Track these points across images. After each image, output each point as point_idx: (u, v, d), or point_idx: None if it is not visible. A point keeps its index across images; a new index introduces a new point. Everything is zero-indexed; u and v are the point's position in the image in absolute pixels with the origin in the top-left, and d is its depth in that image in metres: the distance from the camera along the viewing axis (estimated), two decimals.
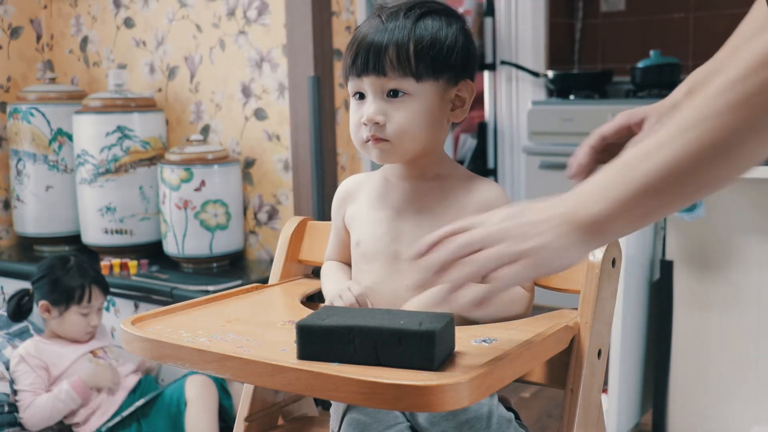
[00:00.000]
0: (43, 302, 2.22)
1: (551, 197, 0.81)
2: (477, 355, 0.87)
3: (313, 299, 1.21)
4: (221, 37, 2.73)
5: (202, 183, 2.57)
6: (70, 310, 2.21)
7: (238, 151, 2.75)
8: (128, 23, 2.95)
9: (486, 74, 3.84)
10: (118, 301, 2.57)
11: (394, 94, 1.01)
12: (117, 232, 2.74)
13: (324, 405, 1.64)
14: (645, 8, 3.93)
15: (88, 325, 2.23)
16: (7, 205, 3.10)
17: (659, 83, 3.42)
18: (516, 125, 3.76)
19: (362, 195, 1.12)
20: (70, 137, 2.87)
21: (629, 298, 2.12)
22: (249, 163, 2.73)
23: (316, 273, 1.27)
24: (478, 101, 3.90)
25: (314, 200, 2.53)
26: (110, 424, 2.15)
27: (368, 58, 1.01)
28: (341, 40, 2.65)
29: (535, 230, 0.78)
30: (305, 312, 1.07)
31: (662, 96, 1.13)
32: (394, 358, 0.80)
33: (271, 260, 1.95)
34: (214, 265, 2.64)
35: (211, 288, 2.36)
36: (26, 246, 3.03)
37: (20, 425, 2.16)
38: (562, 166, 1.20)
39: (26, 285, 2.36)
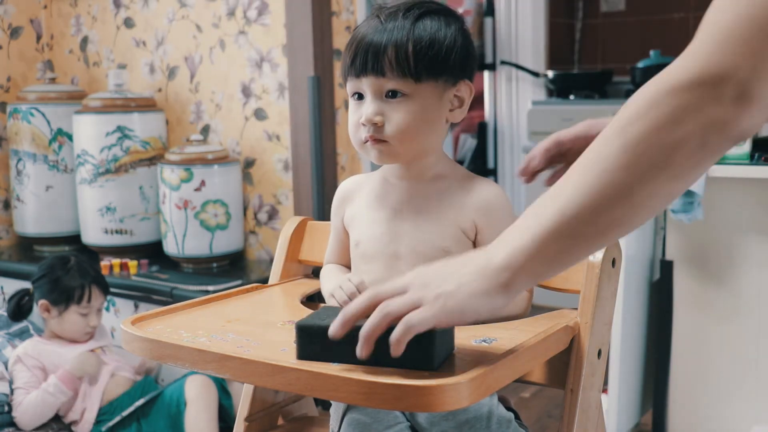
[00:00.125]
0: (42, 302, 2.22)
1: (481, 249, 0.82)
2: (477, 355, 0.87)
3: (313, 299, 1.21)
4: (221, 37, 2.73)
5: (202, 183, 2.57)
6: (70, 310, 2.21)
7: (238, 151, 2.75)
8: (128, 23, 2.95)
9: (486, 74, 3.84)
10: (118, 301, 2.57)
11: (392, 94, 1.01)
12: (117, 232, 2.74)
13: (324, 405, 1.64)
14: (645, 8, 3.93)
15: (88, 325, 2.23)
16: (7, 205, 3.10)
17: None
18: (516, 125, 3.76)
19: (361, 195, 1.12)
20: (70, 137, 2.87)
21: (629, 298, 2.12)
22: (249, 163, 2.73)
23: (316, 273, 1.27)
24: (478, 101, 3.90)
25: (314, 200, 2.53)
26: (110, 424, 2.15)
27: (367, 59, 1.01)
28: (341, 40, 2.65)
29: (450, 277, 0.79)
30: (305, 312, 1.07)
31: None
32: (393, 359, 0.80)
33: (271, 260, 1.95)
34: (214, 265, 2.64)
35: (211, 288, 2.36)
36: (26, 246, 3.03)
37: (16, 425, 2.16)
38: None
39: (26, 285, 2.36)
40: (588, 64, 4.13)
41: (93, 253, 2.78)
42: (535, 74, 3.67)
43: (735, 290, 2.02)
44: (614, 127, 0.73)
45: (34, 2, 3.12)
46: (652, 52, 3.49)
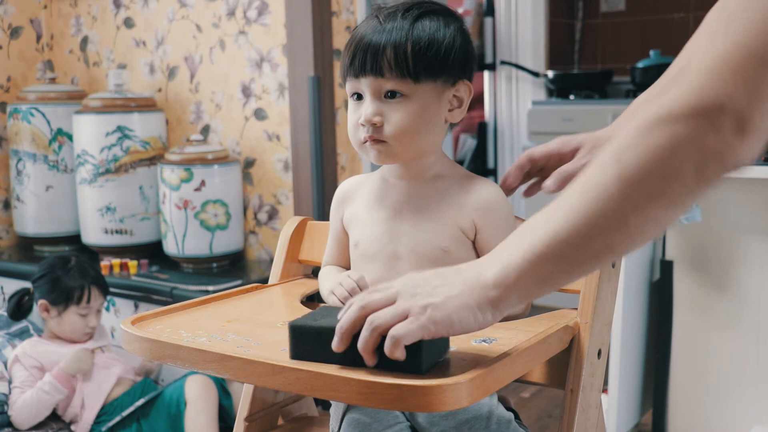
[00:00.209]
0: (42, 301, 2.22)
1: (474, 262, 0.82)
2: (477, 355, 0.87)
3: (313, 299, 1.21)
4: (221, 37, 2.73)
5: (202, 183, 2.57)
6: (69, 310, 2.21)
7: (238, 151, 2.75)
8: (128, 23, 2.95)
9: (486, 74, 3.84)
10: (118, 301, 2.57)
11: (391, 95, 1.01)
12: (117, 232, 2.74)
13: (324, 405, 1.64)
14: (645, 8, 3.93)
15: (87, 325, 2.23)
16: (7, 205, 3.10)
17: None
18: (516, 125, 3.76)
19: (360, 196, 1.12)
20: (70, 137, 2.87)
21: (629, 298, 2.12)
22: (249, 163, 2.73)
23: (315, 273, 1.26)
24: (478, 101, 3.90)
25: (314, 200, 2.53)
26: (110, 424, 2.15)
27: (366, 59, 1.00)
28: (341, 40, 2.65)
29: (439, 288, 0.79)
30: (305, 312, 1.07)
31: None
32: (383, 362, 0.80)
33: (271, 260, 1.95)
34: (214, 265, 2.64)
35: (211, 288, 2.36)
36: (26, 246, 3.03)
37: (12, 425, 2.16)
38: None
39: (26, 285, 2.36)
40: (588, 64, 4.13)
41: (93, 253, 2.78)
42: (535, 74, 3.67)
43: (735, 290, 2.02)
44: (611, 153, 0.72)
45: (34, 2, 3.12)
46: (652, 52, 3.49)
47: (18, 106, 2.89)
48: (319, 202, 2.51)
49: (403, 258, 1.05)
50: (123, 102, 2.73)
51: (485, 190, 1.06)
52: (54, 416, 2.19)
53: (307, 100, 2.51)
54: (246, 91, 2.71)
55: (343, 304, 1.03)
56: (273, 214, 2.72)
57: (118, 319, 2.57)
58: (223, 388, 2.21)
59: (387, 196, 1.09)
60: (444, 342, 0.86)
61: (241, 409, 1.20)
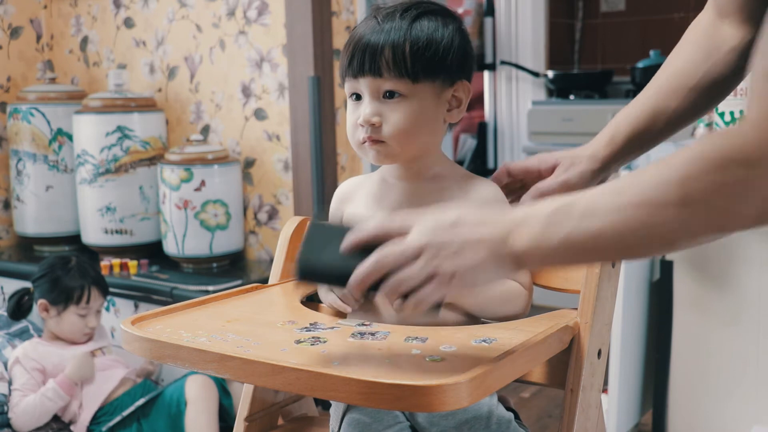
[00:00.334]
0: (42, 301, 2.22)
1: (493, 210, 0.84)
2: (477, 355, 0.87)
3: (313, 299, 1.21)
4: (221, 37, 2.73)
5: (202, 183, 2.57)
6: (69, 310, 2.21)
7: (238, 151, 2.75)
8: (128, 23, 2.95)
9: (486, 74, 3.84)
10: (118, 301, 2.57)
11: (390, 95, 1.01)
12: (117, 232, 2.74)
13: (324, 405, 1.64)
14: (645, 8, 3.93)
15: (86, 326, 2.23)
16: (7, 205, 3.10)
17: None
18: (516, 125, 3.76)
19: (360, 196, 1.12)
20: (70, 137, 2.87)
21: (629, 298, 2.12)
22: (249, 163, 2.73)
23: None
24: (478, 101, 3.90)
25: (314, 200, 2.53)
26: (110, 424, 2.15)
27: (364, 59, 1.01)
28: (341, 40, 2.65)
29: (465, 250, 0.80)
30: (305, 312, 1.08)
31: None
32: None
33: (271, 260, 1.95)
34: (214, 265, 2.64)
35: (211, 288, 2.36)
36: (26, 246, 3.03)
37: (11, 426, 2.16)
38: None
39: (26, 285, 2.36)
40: (588, 64, 4.13)
41: (93, 253, 2.78)
42: (535, 74, 3.67)
43: (735, 290, 2.02)
44: (675, 172, 0.72)
45: (34, 2, 3.12)
46: (652, 52, 3.49)
47: (18, 106, 2.89)
48: (319, 202, 2.51)
49: None
50: (123, 102, 2.73)
51: (485, 190, 1.06)
52: (54, 416, 2.19)
53: (307, 100, 2.51)
54: (246, 91, 2.71)
55: (343, 302, 1.03)
56: (273, 214, 2.72)
57: (118, 319, 2.57)
58: (223, 388, 2.21)
59: (386, 196, 1.09)
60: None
61: (241, 409, 1.20)
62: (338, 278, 0.84)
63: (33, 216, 2.92)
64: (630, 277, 2.11)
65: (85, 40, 3.08)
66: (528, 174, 1.13)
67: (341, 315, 1.09)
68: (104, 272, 2.51)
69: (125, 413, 2.15)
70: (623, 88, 3.71)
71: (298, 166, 2.59)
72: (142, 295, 2.49)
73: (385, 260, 0.81)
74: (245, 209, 2.77)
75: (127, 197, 2.73)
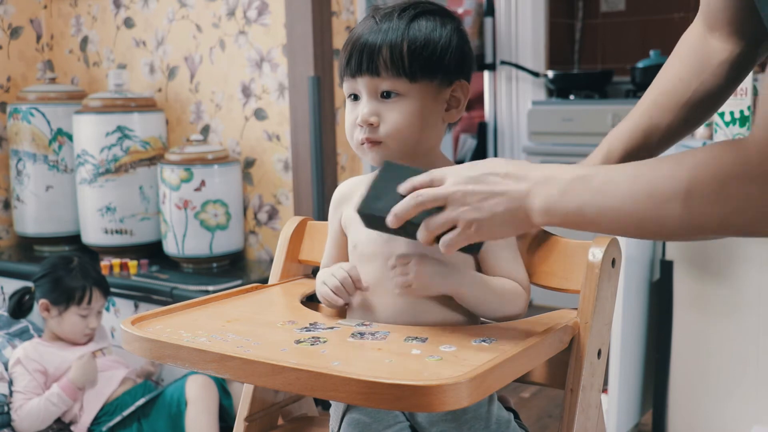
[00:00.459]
0: (43, 301, 2.22)
1: (521, 164, 0.92)
2: (477, 355, 0.87)
3: (313, 299, 1.21)
4: (221, 37, 2.73)
5: (202, 183, 2.57)
6: (70, 311, 2.21)
7: (238, 151, 2.75)
8: (128, 23, 2.95)
9: (486, 74, 3.84)
10: (118, 301, 2.57)
11: (387, 94, 1.01)
12: (117, 232, 2.74)
13: (324, 405, 1.64)
14: (645, 8, 3.93)
15: (87, 327, 2.23)
16: (7, 205, 3.10)
17: None
18: (516, 125, 3.76)
19: (358, 197, 1.12)
20: (70, 137, 2.87)
21: (629, 298, 2.12)
22: (249, 163, 2.73)
23: (315, 273, 1.26)
24: (478, 101, 3.90)
25: (314, 200, 2.53)
26: (111, 423, 2.16)
27: (362, 59, 1.01)
28: (341, 40, 2.65)
29: (491, 201, 0.90)
30: (305, 312, 1.08)
31: None
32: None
33: (271, 260, 1.95)
34: (214, 265, 2.64)
35: (211, 288, 2.36)
36: (26, 246, 3.03)
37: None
38: None
39: (26, 285, 2.36)
40: (588, 64, 4.13)
41: (93, 253, 2.78)
42: (535, 74, 3.67)
43: (735, 290, 2.02)
44: (683, 174, 0.79)
45: (34, 2, 3.12)
46: (652, 52, 3.49)
47: (18, 106, 2.89)
48: (319, 202, 2.52)
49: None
50: (123, 102, 2.73)
51: None
52: None
53: (307, 100, 2.51)
54: (246, 91, 2.71)
55: (335, 294, 1.04)
56: (273, 214, 2.72)
57: (118, 319, 2.57)
58: (223, 388, 2.21)
59: None
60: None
61: (241, 409, 1.20)
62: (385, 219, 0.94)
63: (33, 216, 2.92)
64: (630, 277, 2.11)
65: (85, 40, 3.08)
66: None
67: (341, 315, 1.09)
68: (104, 272, 2.51)
69: (125, 413, 2.15)
70: (623, 88, 3.71)
71: (298, 166, 2.59)
72: (142, 295, 2.49)
73: (418, 199, 0.91)
74: (245, 209, 2.77)
75: (127, 197, 2.73)
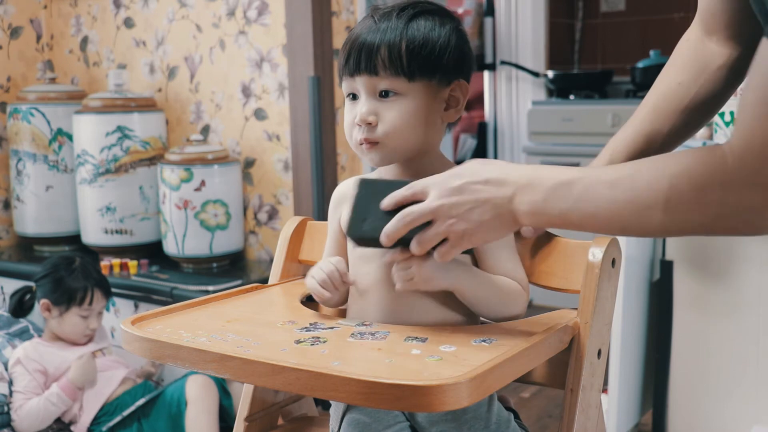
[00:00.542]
0: (44, 301, 2.22)
1: (497, 166, 0.93)
2: (477, 355, 0.87)
3: (313, 299, 1.21)
4: (221, 37, 2.73)
5: (202, 183, 2.57)
6: (71, 311, 2.21)
7: (238, 151, 2.75)
8: (128, 23, 2.95)
9: (486, 74, 3.84)
10: (118, 301, 2.57)
11: (385, 94, 1.01)
12: (117, 232, 2.74)
13: (324, 405, 1.64)
14: (645, 8, 3.93)
15: (87, 327, 2.23)
16: (7, 205, 3.10)
17: None
18: (516, 125, 3.76)
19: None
20: (70, 137, 2.87)
21: (629, 298, 2.12)
22: (249, 163, 2.73)
23: None
24: (478, 101, 3.90)
25: (314, 200, 2.53)
26: (110, 423, 2.16)
27: (360, 58, 1.01)
28: (341, 40, 2.65)
29: (478, 211, 0.91)
30: (305, 312, 1.08)
31: None
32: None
33: (271, 260, 1.95)
34: (214, 265, 2.64)
35: (211, 288, 2.36)
36: (26, 246, 3.03)
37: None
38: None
39: (27, 284, 2.36)
40: (588, 64, 4.13)
41: (93, 253, 2.78)
42: (535, 74, 3.67)
43: (735, 290, 2.02)
44: (666, 180, 0.81)
45: (34, 2, 3.12)
46: (652, 52, 3.49)
47: (18, 106, 2.89)
48: (319, 202, 2.52)
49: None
50: (123, 102, 2.73)
51: None
52: None
53: (307, 100, 2.51)
54: (246, 91, 2.71)
55: (321, 287, 1.04)
56: (273, 214, 2.72)
57: (118, 319, 2.57)
58: (223, 388, 2.21)
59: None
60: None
61: (241, 409, 1.20)
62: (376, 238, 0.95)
63: (33, 216, 2.92)
64: (630, 277, 2.11)
65: (85, 40, 3.08)
66: None
67: (341, 315, 1.09)
68: (104, 272, 2.51)
69: (125, 413, 2.15)
70: (623, 88, 3.71)
71: (298, 166, 2.59)
72: (142, 295, 2.49)
73: (406, 219, 0.92)
74: (245, 209, 2.77)
75: (127, 197, 2.73)
